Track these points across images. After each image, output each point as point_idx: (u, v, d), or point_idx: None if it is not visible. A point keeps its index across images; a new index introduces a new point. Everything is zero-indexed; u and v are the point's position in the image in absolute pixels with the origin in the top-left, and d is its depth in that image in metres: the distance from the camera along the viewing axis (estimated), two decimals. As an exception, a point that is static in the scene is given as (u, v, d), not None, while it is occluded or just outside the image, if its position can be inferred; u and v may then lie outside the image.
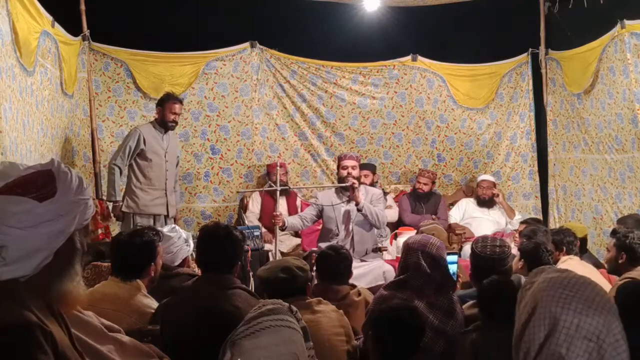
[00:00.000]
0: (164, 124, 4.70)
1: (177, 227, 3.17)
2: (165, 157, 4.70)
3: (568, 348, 1.54)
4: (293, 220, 4.49)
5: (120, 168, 4.55)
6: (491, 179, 5.96)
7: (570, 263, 3.59)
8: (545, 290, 1.64)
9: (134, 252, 2.59)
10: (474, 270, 2.98)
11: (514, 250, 3.51)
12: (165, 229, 3.10)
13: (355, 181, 4.32)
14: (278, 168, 4.52)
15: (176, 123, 4.78)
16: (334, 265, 3.00)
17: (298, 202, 5.62)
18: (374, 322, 2.24)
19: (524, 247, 3.24)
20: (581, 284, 1.64)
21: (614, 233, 3.41)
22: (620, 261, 3.24)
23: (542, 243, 3.20)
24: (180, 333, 2.19)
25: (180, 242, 3.07)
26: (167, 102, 4.69)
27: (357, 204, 4.32)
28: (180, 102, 4.80)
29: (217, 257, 2.43)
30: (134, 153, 4.58)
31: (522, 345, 1.64)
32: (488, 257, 2.90)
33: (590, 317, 1.54)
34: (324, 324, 2.47)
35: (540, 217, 6.03)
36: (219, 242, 2.43)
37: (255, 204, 5.56)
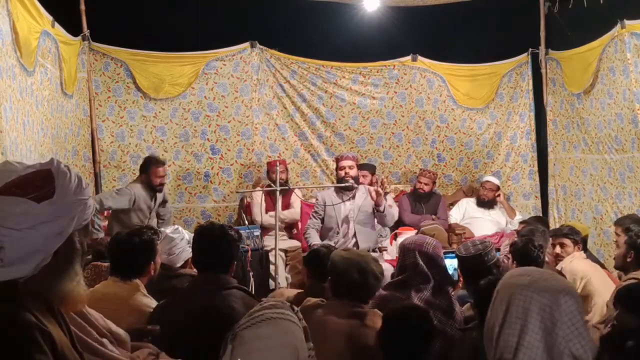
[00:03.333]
0: (152, 188, 4.80)
1: (179, 228, 3.16)
2: (150, 214, 4.85)
3: (525, 319, 1.72)
4: (318, 239, 4.53)
5: (104, 209, 4.58)
6: (496, 182, 5.93)
7: (578, 258, 3.64)
8: (506, 278, 1.89)
9: (132, 251, 2.58)
10: (466, 273, 3.01)
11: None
12: (168, 230, 3.09)
13: (382, 185, 4.40)
14: (278, 166, 4.51)
15: (163, 185, 4.89)
16: (326, 264, 2.98)
17: (292, 199, 5.56)
18: (385, 322, 2.23)
19: (514, 246, 3.27)
20: (538, 271, 1.85)
21: (628, 230, 3.42)
22: (628, 259, 3.25)
23: (531, 241, 3.22)
24: (177, 334, 2.19)
25: (182, 244, 3.07)
26: (150, 167, 4.78)
27: (378, 206, 4.42)
28: (164, 163, 4.92)
29: (212, 257, 2.41)
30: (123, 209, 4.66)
31: (488, 326, 1.83)
32: (473, 256, 2.95)
33: (543, 292, 1.74)
34: (371, 342, 2.32)
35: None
36: (214, 242, 2.42)
37: (258, 201, 5.50)
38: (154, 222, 5.00)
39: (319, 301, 2.45)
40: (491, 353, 1.80)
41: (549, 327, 1.68)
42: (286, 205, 5.50)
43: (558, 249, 3.78)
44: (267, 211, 5.31)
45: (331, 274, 2.53)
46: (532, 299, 1.71)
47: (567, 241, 3.76)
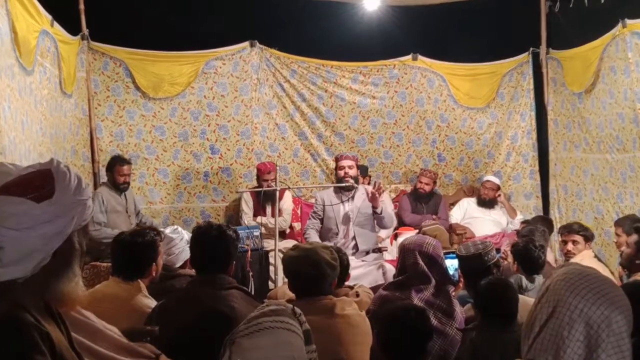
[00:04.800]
0: (116, 186, 4.92)
1: (179, 229, 3.16)
2: (127, 212, 4.94)
3: (569, 331, 1.58)
4: (317, 239, 4.51)
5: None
6: (497, 181, 5.93)
7: (588, 257, 3.63)
8: (560, 276, 1.71)
9: (135, 252, 2.58)
10: (466, 273, 3.03)
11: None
12: (167, 230, 3.09)
13: (378, 189, 4.39)
14: (278, 167, 4.48)
15: (128, 183, 4.99)
16: None
17: (283, 207, 5.45)
18: (382, 322, 2.22)
19: (515, 247, 3.26)
20: (596, 278, 1.66)
21: (637, 230, 3.41)
22: (637, 261, 3.24)
23: (532, 241, 3.22)
24: (175, 334, 2.18)
25: (182, 244, 3.06)
26: (114, 166, 4.92)
27: (375, 208, 4.42)
28: (129, 162, 5.02)
29: (210, 257, 2.41)
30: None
31: (528, 320, 1.71)
32: (473, 255, 2.97)
33: (596, 306, 1.57)
34: (344, 331, 2.32)
35: (541, 217, 6.02)
36: (212, 242, 2.41)
37: (248, 205, 5.48)
38: (135, 221, 5.06)
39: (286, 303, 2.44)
40: (524, 349, 1.74)
41: (592, 345, 1.57)
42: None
43: (570, 246, 3.78)
44: (255, 216, 5.29)
45: (287, 277, 2.51)
46: (582, 311, 1.58)
47: (579, 238, 3.77)
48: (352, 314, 2.39)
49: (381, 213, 4.42)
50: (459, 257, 3.06)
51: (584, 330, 1.57)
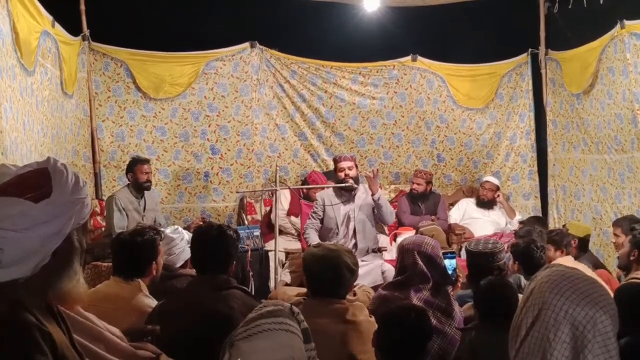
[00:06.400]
0: (139, 186, 4.80)
1: (179, 229, 3.16)
2: (143, 219, 4.80)
3: (555, 333, 1.57)
4: (317, 239, 4.51)
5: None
6: (496, 182, 5.91)
7: (566, 261, 3.61)
8: (544, 278, 1.69)
9: (134, 251, 2.59)
10: (471, 269, 3.05)
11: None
12: (167, 230, 3.10)
13: (371, 176, 4.42)
14: (278, 167, 4.48)
15: (150, 182, 4.87)
16: None
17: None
18: (382, 322, 2.23)
19: (516, 247, 3.27)
20: (579, 278, 1.65)
21: (633, 229, 3.42)
22: (631, 258, 3.26)
23: (534, 241, 3.23)
24: (176, 334, 2.19)
25: (182, 244, 3.07)
26: (135, 165, 4.80)
27: (373, 194, 4.42)
28: (148, 161, 4.92)
29: (210, 257, 2.42)
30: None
31: (515, 323, 1.70)
32: (481, 253, 3.00)
33: (580, 307, 1.57)
34: (353, 338, 2.30)
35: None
36: (212, 243, 2.42)
37: (285, 202, 5.54)
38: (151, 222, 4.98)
39: (301, 299, 2.44)
40: (512, 353, 1.74)
41: (579, 346, 1.56)
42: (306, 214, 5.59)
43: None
44: (288, 215, 5.40)
45: (305, 274, 2.50)
46: (567, 312, 1.57)
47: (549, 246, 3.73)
48: (362, 320, 2.37)
49: (379, 200, 4.43)
50: (467, 250, 3.09)
51: (569, 331, 1.56)
